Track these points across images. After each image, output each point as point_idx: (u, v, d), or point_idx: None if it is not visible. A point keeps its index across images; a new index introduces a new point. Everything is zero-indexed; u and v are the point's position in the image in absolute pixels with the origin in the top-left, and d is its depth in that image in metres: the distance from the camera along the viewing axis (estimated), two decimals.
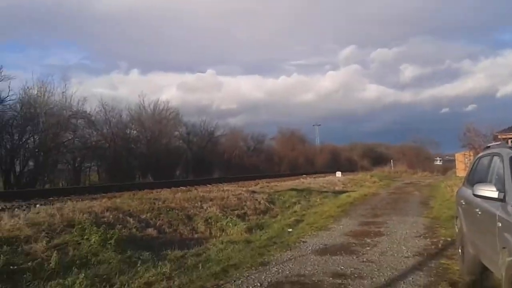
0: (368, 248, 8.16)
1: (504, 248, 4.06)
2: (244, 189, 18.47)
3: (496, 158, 5.18)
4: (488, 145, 6.56)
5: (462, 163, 37.33)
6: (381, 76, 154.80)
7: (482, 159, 6.06)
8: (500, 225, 4.23)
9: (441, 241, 8.57)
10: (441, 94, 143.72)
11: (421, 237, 9.30)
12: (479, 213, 5.08)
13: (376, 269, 6.47)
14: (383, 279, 5.94)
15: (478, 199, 4.87)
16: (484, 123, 27.76)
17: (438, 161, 69.69)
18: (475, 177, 6.11)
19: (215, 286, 5.75)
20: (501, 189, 4.47)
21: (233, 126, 56.15)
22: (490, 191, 4.54)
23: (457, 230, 6.72)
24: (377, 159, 79.74)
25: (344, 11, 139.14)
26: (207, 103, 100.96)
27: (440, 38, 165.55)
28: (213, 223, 11.26)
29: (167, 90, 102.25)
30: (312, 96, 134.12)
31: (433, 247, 8.18)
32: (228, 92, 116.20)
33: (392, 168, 59.55)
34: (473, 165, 6.76)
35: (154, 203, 11.88)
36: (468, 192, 5.65)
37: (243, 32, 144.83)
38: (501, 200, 4.37)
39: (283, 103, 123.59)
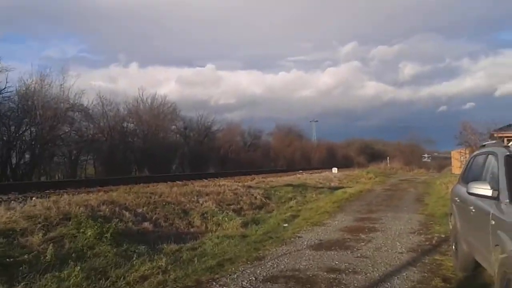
0: (362, 243, 8.21)
1: (497, 245, 4.11)
2: (240, 184, 18.52)
3: (491, 157, 5.22)
4: (484, 143, 6.61)
5: (458, 161, 37.54)
6: (380, 74, 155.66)
7: (477, 158, 6.10)
8: (493, 223, 4.28)
9: (435, 238, 8.63)
10: (440, 92, 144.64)
11: (416, 233, 9.35)
12: (473, 210, 5.12)
13: (370, 265, 6.52)
14: (377, 275, 5.98)
15: (472, 197, 4.91)
16: (482, 122, 27.83)
17: (426, 158, 70.00)
18: (470, 175, 6.16)
19: (210, 280, 5.77)
20: (495, 187, 4.51)
21: (230, 121, 56.20)
22: (484, 189, 4.58)
23: (451, 227, 6.78)
24: (374, 155, 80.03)
25: (346, 7, 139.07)
26: (206, 98, 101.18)
27: (440, 36, 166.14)
28: (209, 217, 11.30)
29: (166, 84, 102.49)
30: (311, 92, 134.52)
31: (427, 243, 8.24)
32: (227, 87, 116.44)
33: (388, 165, 59.73)
34: (468, 163, 6.81)
35: (151, 197, 11.89)
36: (462, 189, 5.69)
37: (244, 27, 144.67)
38: (495, 198, 4.41)
39: (281, 99, 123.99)
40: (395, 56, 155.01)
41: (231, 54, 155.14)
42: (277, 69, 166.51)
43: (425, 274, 5.95)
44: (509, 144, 5.33)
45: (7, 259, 5.77)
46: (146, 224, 9.61)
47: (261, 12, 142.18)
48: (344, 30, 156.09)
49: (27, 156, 26.57)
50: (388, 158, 65.28)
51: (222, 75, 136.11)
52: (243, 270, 6.28)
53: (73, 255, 6.50)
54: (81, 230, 7.60)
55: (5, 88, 26.01)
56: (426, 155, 71.41)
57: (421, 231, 9.58)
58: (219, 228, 10.41)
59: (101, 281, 5.53)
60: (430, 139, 73.75)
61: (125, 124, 37.84)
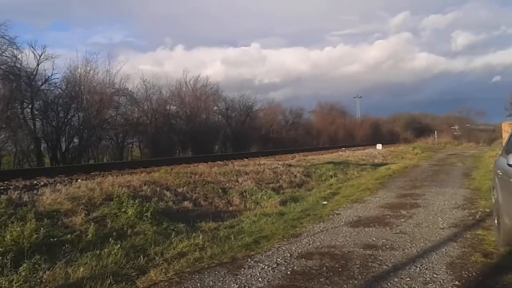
0: (402, 220, 8.03)
1: None
2: (280, 162, 18.51)
3: None
4: None
5: (508, 133, 35.80)
6: (432, 44, 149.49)
7: None
8: None
9: (479, 212, 8.32)
10: (494, 61, 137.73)
11: (459, 208, 9.05)
12: None
13: (408, 241, 6.38)
14: (415, 250, 5.84)
15: None
16: None
17: (457, 130, 67.09)
18: None
19: (245, 257, 5.84)
20: None
21: (272, 100, 55.88)
22: None
23: (493, 201, 6.50)
24: (421, 130, 77.50)
25: None
26: (250, 77, 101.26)
27: (495, 2, 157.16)
28: (248, 196, 11.41)
29: (211, 65, 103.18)
30: (358, 67, 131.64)
31: (470, 218, 7.96)
32: (272, 66, 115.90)
33: (436, 139, 57.80)
34: (511, 135, 6.47)
35: (191, 177, 12.12)
36: (504, 162, 5.42)
37: (287, 2, 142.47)
38: None
39: (327, 76, 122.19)
40: (448, 25, 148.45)
41: (275, 31, 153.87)
42: (323, 44, 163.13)
43: (465, 249, 5.76)
44: None
45: (51, 239, 6.05)
46: (186, 203, 9.83)
47: None
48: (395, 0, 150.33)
49: (75, 140, 27.56)
50: (435, 132, 63.14)
51: (267, 53, 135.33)
52: (279, 247, 6.30)
53: (114, 233, 6.71)
54: (123, 210, 7.87)
55: (52, 75, 27.07)
56: (456, 127, 68.42)
57: (465, 206, 9.26)
58: (257, 207, 10.49)
59: (139, 258, 5.71)
60: (481, 111, 70.52)
61: (168, 107, 38.51)
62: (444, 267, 5.12)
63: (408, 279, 4.74)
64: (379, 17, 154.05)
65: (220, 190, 11.49)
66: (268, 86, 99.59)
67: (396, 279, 4.75)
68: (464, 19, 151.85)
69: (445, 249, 5.82)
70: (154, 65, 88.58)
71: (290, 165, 17.57)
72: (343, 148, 38.65)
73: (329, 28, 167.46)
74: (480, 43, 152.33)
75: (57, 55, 27.51)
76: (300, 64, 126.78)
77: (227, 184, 12.23)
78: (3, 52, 23.88)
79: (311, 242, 6.57)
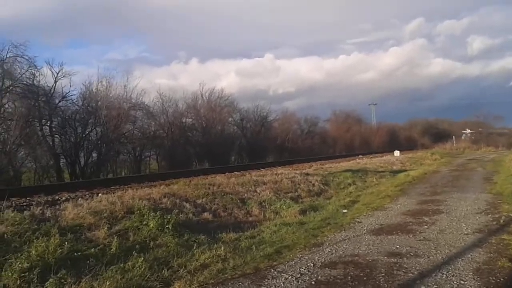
0: (425, 226, 7.94)
1: None
2: (297, 172, 18.44)
3: None
4: None
5: None
6: (447, 50, 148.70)
7: None
8: None
9: (503, 217, 8.20)
10: (511, 65, 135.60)
11: (482, 213, 8.92)
12: None
13: (433, 247, 6.30)
14: (440, 257, 5.76)
15: None
16: None
17: (467, 134, 66.22)
18: None
19: (268, 267, 5.82)
20: None
21: (286, 110, 55.85)
22: None
23: None
24: (439, 136, 76.59)
25: None
26: (265, 88, 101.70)
27: (510, 6, 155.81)
28: (266, 206, 11.38)
29: (226, 77, 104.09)
30: (373, 74, 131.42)
31: (494, 223, 7.84)
32: (286, 76, 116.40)
33: (454, 144, 57.06)
34: None
35: (209, 188, 12.14)
36: None
37: (302, 13, 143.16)
38: None
39: (341, 84, 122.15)
40: (463, 30, 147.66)
41: (289, 41, 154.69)
42: (337, 52, 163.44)
43: (491, 255, 5.67)
44: None
45: (75, 253, 6.10)
46: (205, 214, 9.84)
47: None
48: (408, 6, 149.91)
49: (94, 155, 27.87)
50: (454, 137, 62.33)
51: (280, 64, 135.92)
52: (301, 257, 6.28)
53: (137, 246, 6.76)
54: (144, 223, 7.90)
55: (69, 91, 27.55)
56: (467, 131, 67.43)
57: (488, 211, 9.12)
58: (277, 216, 10.45)
59: (163, 270, 5.74)
60: (499, 115, 69.34)
61: (184, 119, 38.78)
62: (471, 273, 5.04)
63: (435, 286, 4.68)
64: (393, 25, 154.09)
65: (238, 201, 11.49)
66: (283, 96, 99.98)
67: (423, 287, 4.69)
68: (480, 24, 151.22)
69: (471, 255, 5.73)
70: (170, 79, 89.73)
71: (307, 174, 17.50)
72: (360, 156, 38.37)
73: (343, 37, 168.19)
74: (496, 47, 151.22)
75: (74, 72, 28.05)
76: (314, 73, 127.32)
77: (245, 195, 12.22)
78: (24, 73, 24.46)
79: (333, 251, 6.53)
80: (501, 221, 7.92)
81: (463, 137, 66.16)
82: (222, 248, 6.75)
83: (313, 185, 15.39)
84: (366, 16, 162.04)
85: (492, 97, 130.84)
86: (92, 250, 6.44)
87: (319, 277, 5.29)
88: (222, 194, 11.76)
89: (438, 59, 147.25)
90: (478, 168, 22.35)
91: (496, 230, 7.21)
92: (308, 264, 5.85)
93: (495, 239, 6.58)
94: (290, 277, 5.32)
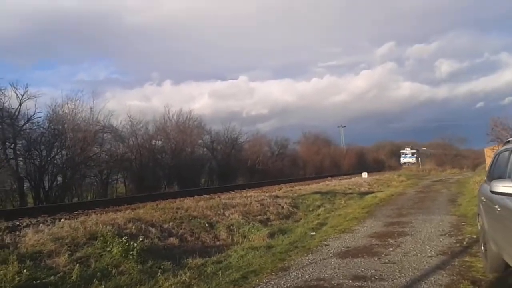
0: (391, 249, 8.01)
1: None
2: (267, 194, 18.43)
3: None
4: (508, 139, 6.35)
5: (490, 158, 36.37)
6: (416, 73, 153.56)
7: (502, 154, 5.86)
8: None
9: (466, 239, 8.36)
10: (477, 88, 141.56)
11: (446, 235, 9.08)
12: (498, 209, 4.92)
13: (397, 270, 6.34)
14: (404, 280, 5.81)
15: (497, 196, 4.72)
16: None
17: (408, 153, 68.37)
18: (495, 173, 5.94)
19: None
20: None
21: (257, 131, 56.10)
22: (508, 187, 4.39)
23: (479, 227, 6.54)
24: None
25: (381, 6, 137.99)
26: (238, 110, 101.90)
27: (478, 30, 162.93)
28: (235, 229, 11.28)
29: (200, 99, 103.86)
30: (344, 97, 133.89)
31: (458, 245, 7.98)
32: (259, 98, 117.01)
33: (420, 166, 58.39)
34: (493, 161, 6.57)
35: (177, 212, 11.97)
36: (488, 188, 5.49)
37: (273, 36, 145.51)
38: None
39: (314, 106, 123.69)
40: (431, 54, 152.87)
41: (263, 64, 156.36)
42: (309, 75, 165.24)
43: (454, 277, 5.74)
44: None
45: (34, 281, 5.87)
46: (172, 240, 9.67)
47: (291, 21, 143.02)
48: (379, 31, 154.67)
49: (59, 178, 27.15)
50: (419, 159, 63.84)
51: (254, 86, 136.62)
52: (267, 282, 6.20)
53: (98, 274, 6.55)
54: (107, 249, 7.70)
55: (34, 114, 26.88)
56: (407, 151, 68.88)
57: (452, 233, 9.30)
58: (245, 240, 10.36)
59: None
60: (463, 137, 71.60)
61: (153, 142, 38.35)
62: None
63: None
64: (365, 48, 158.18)
65: (207, 225, 11.35)
66: (256, 117, 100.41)
67: None
68: (448, 47, 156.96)
69: (434, 278, 5.80)
70: (142, 101, 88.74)
71: (277, 197, 17.50)
72: (330, 178, 38.76)
73: (315, 60, 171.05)
74: (464, 70, 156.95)
75: (40, 94, 27.36)
76: (287, 96, 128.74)
77: (214, 218, 12.09)
78: None
79: (299, 275, 6.49)
80: (464, 243, 8.08)
81: (402, 159, 68.14)
82: (188, 274, 6.60)
83: (282, 207, 15.39)
84: (339, 39, 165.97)
85: (459, 120, 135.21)
86: (52, 278, 6.22)
87: None
88: (190, 218, 11.60)
89: (407, 82, 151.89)
90: (443, 190, 22.87)
91: (459, 252, 7.34)
92: None
93: (458, 261, 6.69)
94: None
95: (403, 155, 73.71)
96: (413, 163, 68.78)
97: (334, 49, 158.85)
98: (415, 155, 70.01)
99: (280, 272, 6.73)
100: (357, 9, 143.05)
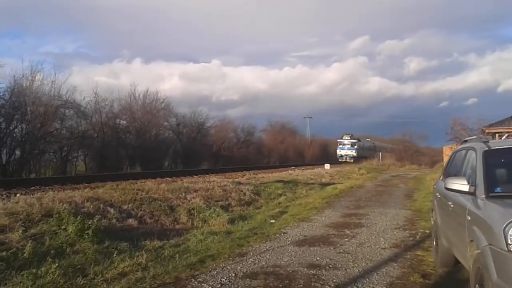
0: (346, 239, 8.21)
1: (472, 241, 4.10)
2: (230, 180, 18.44)
3: (471, 152, 5.21)
4: (466, 139, 6.59)
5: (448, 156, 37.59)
6: (385, 69, 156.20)
7: (459, 153, 6.09)
8: (469, 218, 4.27)
9: (419, 233, 8.66)
10: (443, 87, 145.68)
11: (401, 229, 9.38)
12: (452, 206, 5.12)
13: (351, 260, 6.51)
14: (357, 270, 5.97)
15: (451, 192, 4.90)
16: (480, 117, 27.48)
17: (347, 145, 63.04)
18: (451, 171, 6.16)
19: (189, 277, 5.74)
20: (472, 182, 4.50)
21: (224, 117, 55.91)
22: (461, 185, 4.57)
23: (432, 223, 6.79)
24: None
25: (356, 2, 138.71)
26: (209, 94, 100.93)
27: (448, 31, 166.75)
28: (195, 214, 11.22)
29: (170, 80, 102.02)
30: (314, 88, 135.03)
31: (411, 239, 8.26)
32: (231, 83, 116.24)
33: (380, 160, 59.75)
34: (450, 159, 6.81)
35: (137, 194, 11.81)
36: (443, 185, 5.68)
37: (249, 22, 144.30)
38: (472, 193, 4.40)
39: (284, 95, 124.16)
40: (402, 51, 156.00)
41: (236, 49, 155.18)
42: (282, 64, 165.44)
43: (405, 270, 5.95)
44: (489, 140, 5.30)
45: None
46: (130, 221, 9.55)
47: (266, 8, 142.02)
48: (353, 25, 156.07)
49: (17, 152, 26.28)
50: (380, 154, 65.27)
51: (227, 71, 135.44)
52: (224, 267, 6.25)
53: (52, 252, 6.41)
54: (63, 227, 7.53)
55: None
56: (345, 141, 60.42)
57: (406, 227, 9.61)
58: (205, 225, 10.35)
59: (78, 278, 5.49)
60: (423, 134, 73.64)
61: (118, 121, 37.53)
62: (384, 287, 5.25)
63: None
64: (338, 41, 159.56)
65: (167, 208, 11.26)
66: (226, 103, 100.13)
67: None
68: (418, 46, 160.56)
69: (386, 269, 5.99)
70: (110, 77, 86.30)
71: (240, 183, 17.55)
72: (293, 167, 39.13)
73: (289, 49, 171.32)
74: (432, 69, 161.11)
75: (3, 64, 26.24)
76: (259, 83, 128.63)
77: (175, 201, 12.01)
78: None
79: (256, 261, 6.57)
80: (418, 237, 8.37)
81: (338, 150, 62.97)
82: (144, 256, 6.57)
83: (244, 194, 15.45)
84: (313, 30, 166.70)
85: (423, 117, 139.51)
86: (4, 253, 6.06)
87: (239, 287, 5.29)
88: (150, 200, 11.47)
89: (376, 78, 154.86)
90: (400, 185, 23.53)
91: (412, 246, 7.60)
92: (230, 275, 5.83)
93: (410, 254, 6.93)
94: (210, 287, 5.27)
95: (340, 145, 64.11)
96: (352, 157, 60.97)
97: (308, 40, 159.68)
98: (355, 146, 62.26)
99: (237, 258, 6.80)
100: (333, 1, 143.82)
